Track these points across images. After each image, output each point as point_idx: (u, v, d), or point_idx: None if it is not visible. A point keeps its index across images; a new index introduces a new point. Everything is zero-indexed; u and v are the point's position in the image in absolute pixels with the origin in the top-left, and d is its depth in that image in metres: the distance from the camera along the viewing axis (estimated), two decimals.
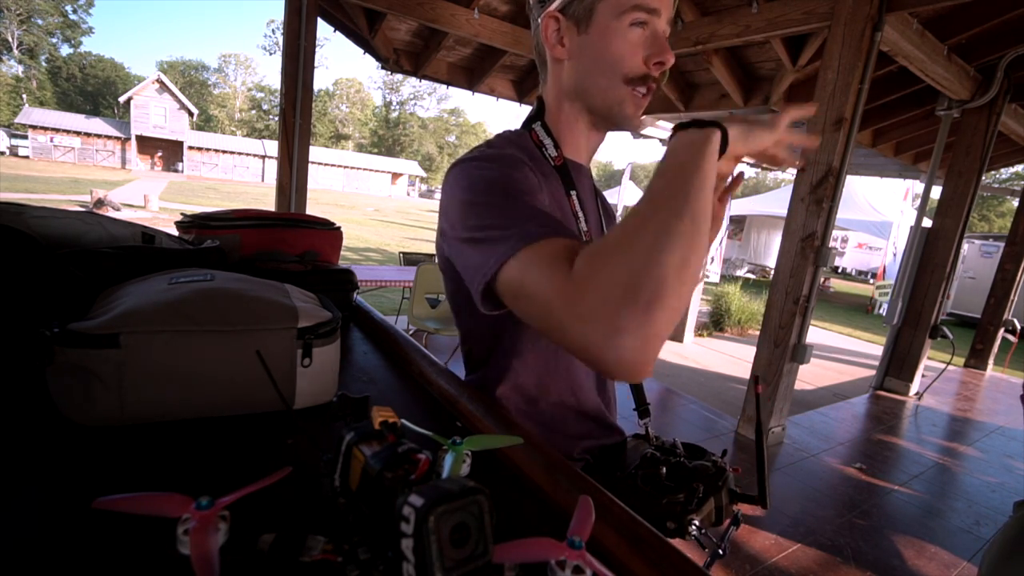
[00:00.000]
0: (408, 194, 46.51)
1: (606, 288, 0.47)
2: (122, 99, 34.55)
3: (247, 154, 37.75)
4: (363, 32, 4.26)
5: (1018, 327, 5.43)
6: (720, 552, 0.71)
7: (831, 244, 2.92)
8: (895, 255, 9.16)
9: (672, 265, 0.47)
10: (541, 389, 0.76)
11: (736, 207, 12.17)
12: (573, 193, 0.77)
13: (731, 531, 0.74)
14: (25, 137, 31.98)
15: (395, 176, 44.65)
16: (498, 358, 0.75)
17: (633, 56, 0.68)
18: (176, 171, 34.51)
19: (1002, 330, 5.64)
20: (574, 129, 0.77)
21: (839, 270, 18.17)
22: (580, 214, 0.77)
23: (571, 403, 0.79)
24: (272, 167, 35.51)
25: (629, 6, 0.66)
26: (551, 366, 0.76)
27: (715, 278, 6.96)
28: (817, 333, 7.34)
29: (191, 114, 35.33)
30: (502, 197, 0.60)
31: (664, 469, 0.72)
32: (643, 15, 0.67)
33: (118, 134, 33.27)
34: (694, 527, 0.68)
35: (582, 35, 0.70)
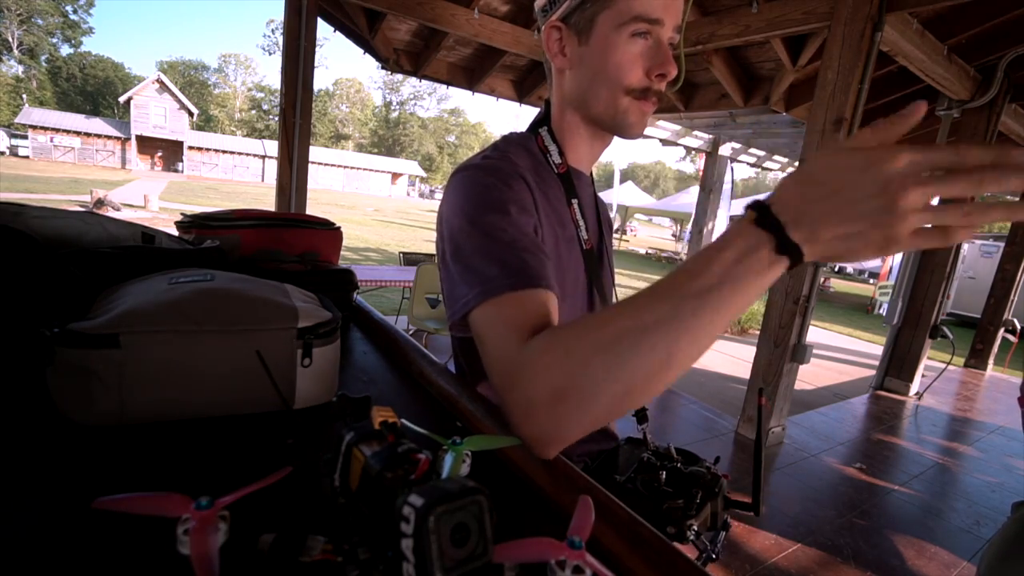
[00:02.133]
0: (408, 194, 46.51)
1: (539, 385, 0.49)
2: (122, 99, 34.58)
3: (247, 154, 37.76)
4: (363, 32, 4.26)
5: (1018, 327, 5.43)
6: (713, 556, 0.72)
7: None
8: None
9: (610, 392, 0.46)
10: None
11: (736, 207, 12.16)
12: (575, 202, 0.77)
13: (722, 536, 0.75)
14: (25, 137, 31.98)
15: (395, 176, 44.65)
16: None
17: (634, 68, 0.67)
18: (176, 171, 34.51)
19: (1002, 330, 5.64)
20: (576, 137, 0.77)
21: (837, 269, 18.17)
22: (581, 222, 0.77)
23: None
24: (272, 167, 35.49)
25: (630, 17, 0.65)
26: None
27: None
28: (817, 333, 7.34)
29: (191, 114, 35.34)
30: (483, 234, 0.61)
31: (663, 475, 0.72)
32: (644, 26, 0.65)
33: (118, 134, 33.28)
34: (692, 532, 0.68)
35: (583, 46, 0.69)
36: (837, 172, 0.40)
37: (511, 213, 0.63)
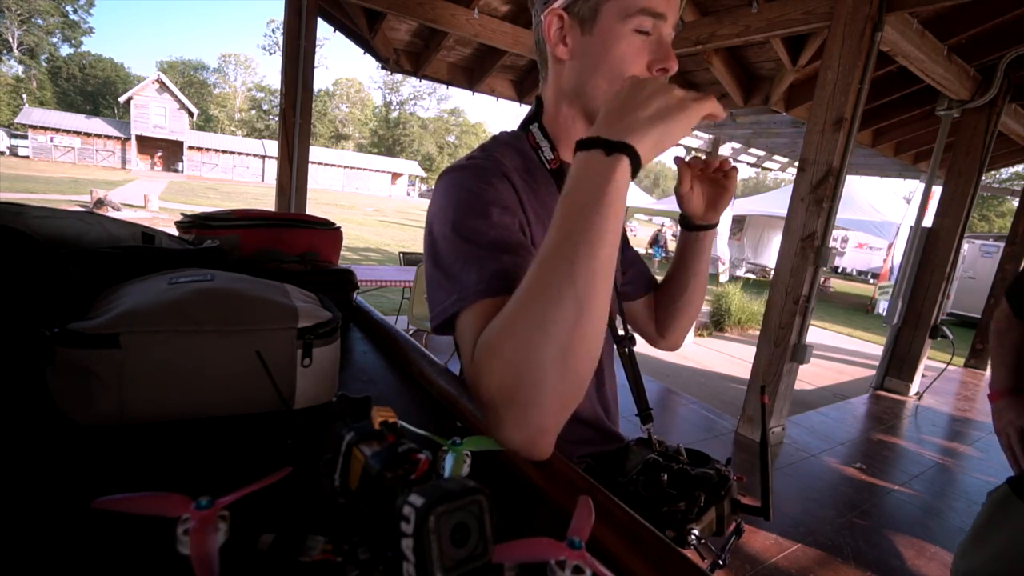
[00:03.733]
0: (408, 194, 46.51)
1: (488, 385, 0.50)
2: (122, 99, 34.60)
3: (247, 154, 37.77)
4: (363, 32, 4.26)
5: None
6: (720, 562, 0.69)
7: (831, 244, 2.92)
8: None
9: (548, 360, 0.47)
10: None
11: (736, 207, 12.16)
12: None
13: (732, 541, 0.72)
14: (25, 137, 32.00)
15: (395, 176, 44.66)
16: None
17: (636, 61, 0.66)
18: (176, 171, 34.53)
19: None
20: (571, 131, 0.76)
21: (838, 269, 18.17)
22: None
23: None
24: (272, 167, 35.49)
25: (636, 9, 0.64)
26: None
27: (725, 278, 6.97)
28: (817, 333, 7.34)
29: (191, 114, 35.35)
30: (463, 239, 0.61)
31: (666, 476, 0.70)
32: (649, 19, 0.65)
33: (118, 134, 33.29)
34: (693, 536, 0.66)
35: (585, 35, 0.68)
36: (624, 94, 0.54)
37: (492, 215, 0.62)
